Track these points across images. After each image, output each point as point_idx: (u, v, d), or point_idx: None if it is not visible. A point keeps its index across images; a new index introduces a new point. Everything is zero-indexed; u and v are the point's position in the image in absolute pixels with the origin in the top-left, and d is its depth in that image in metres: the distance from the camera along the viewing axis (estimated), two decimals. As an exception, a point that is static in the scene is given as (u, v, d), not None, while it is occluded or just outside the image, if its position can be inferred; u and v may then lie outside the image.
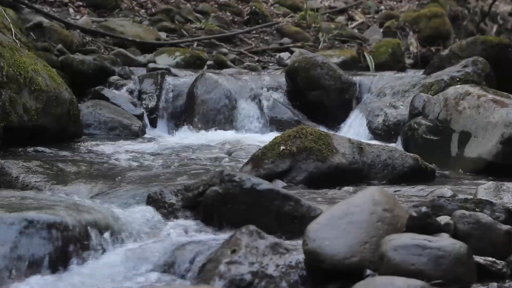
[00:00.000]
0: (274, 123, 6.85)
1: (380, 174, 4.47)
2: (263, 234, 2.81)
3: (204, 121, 6.80)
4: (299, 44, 9.74)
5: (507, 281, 2.75)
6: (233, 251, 2.71)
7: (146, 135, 6.51)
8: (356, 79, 7.20)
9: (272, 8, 11.28)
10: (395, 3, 12.36)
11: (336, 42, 10.14)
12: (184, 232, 3.21)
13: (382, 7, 12.13)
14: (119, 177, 4.39)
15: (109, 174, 4.49)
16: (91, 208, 3.28)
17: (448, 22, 10.68)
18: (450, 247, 2.61)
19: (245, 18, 10.61)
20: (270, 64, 9.12)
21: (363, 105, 6.81)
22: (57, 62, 7.10)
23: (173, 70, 7.48)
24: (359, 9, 11.87)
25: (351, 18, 11.49)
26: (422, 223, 2.79)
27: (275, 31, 10.25)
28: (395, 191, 4.13)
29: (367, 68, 8.66)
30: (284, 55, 9.27)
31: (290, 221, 3.17)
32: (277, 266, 2.71)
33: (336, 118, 6.88)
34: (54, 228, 2.97)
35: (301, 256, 2.75)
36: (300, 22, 10.56)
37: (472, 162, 4.99)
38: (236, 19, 10.53)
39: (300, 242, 2.84)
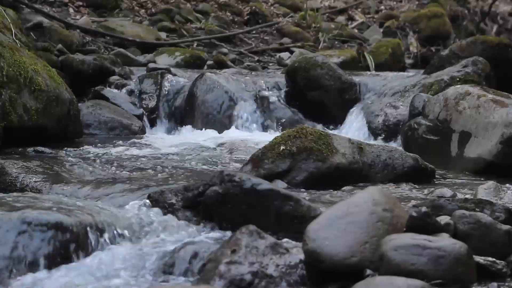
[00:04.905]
0: (274, 123, 6.84)
1: (380, 174, 4.46)
2: (263, 234, 2.81)
3: (204, 121, 6.80)
4: (299, 44, 9.73)
5: (507, 281, 2.75)
6: (233, 251, 2.71)
7: (146, 135, 6.50)
8: (356, 79, 7.19)
9: (272, 8, 11.28)
10: (395, 3, 12.36)
11: (336, 42, 10.14)
12: (184, 232, 3.21)
13: (382, 7, 12.13)
14: (119, 177, 4.39)
15: (109, 174, 4.50)
16: (90, 208, 3.28)
17: (448, 22, 10.68)
18: (450, 247, 2.61)
19: (245, 18, 10.61)
20: (270, 64, 9.12)
21: (363, 105, 6.81)
22: (57, 62, 7.09)
23: (173, 70, 7.47)
24: (359, 9, 11.87)
25: (351, 18, 11.49)
26: (422, 223, 2.80)
27: (275, 31, 10.24)
28: (395, 191, 4.13)
29: (367, 68, 8.65)
30: (284, 55, 9.26)
31: (290, 221, 3.17)
32: (277, 266, 2.71)
33: (336, 118, 6.86)
34: (54, 228, 2.97)
35: (301, 256, 2.75)
36: (300, 22, 10.56)
37: (472, 162, 4.99)
38: (236, 19, 10.52)
39: (300, 242, 2.84)
